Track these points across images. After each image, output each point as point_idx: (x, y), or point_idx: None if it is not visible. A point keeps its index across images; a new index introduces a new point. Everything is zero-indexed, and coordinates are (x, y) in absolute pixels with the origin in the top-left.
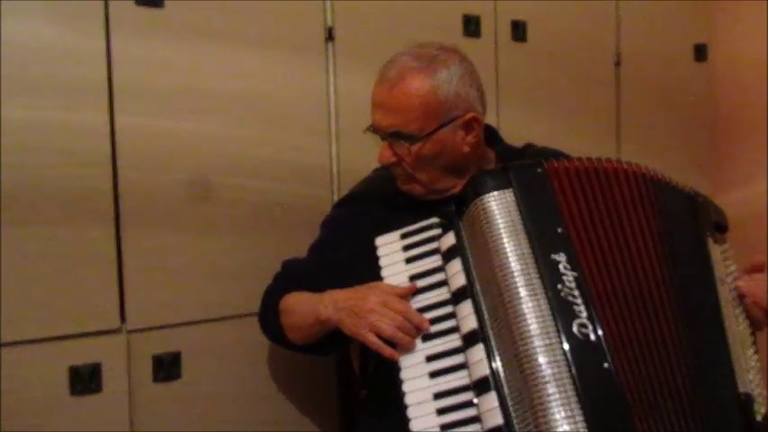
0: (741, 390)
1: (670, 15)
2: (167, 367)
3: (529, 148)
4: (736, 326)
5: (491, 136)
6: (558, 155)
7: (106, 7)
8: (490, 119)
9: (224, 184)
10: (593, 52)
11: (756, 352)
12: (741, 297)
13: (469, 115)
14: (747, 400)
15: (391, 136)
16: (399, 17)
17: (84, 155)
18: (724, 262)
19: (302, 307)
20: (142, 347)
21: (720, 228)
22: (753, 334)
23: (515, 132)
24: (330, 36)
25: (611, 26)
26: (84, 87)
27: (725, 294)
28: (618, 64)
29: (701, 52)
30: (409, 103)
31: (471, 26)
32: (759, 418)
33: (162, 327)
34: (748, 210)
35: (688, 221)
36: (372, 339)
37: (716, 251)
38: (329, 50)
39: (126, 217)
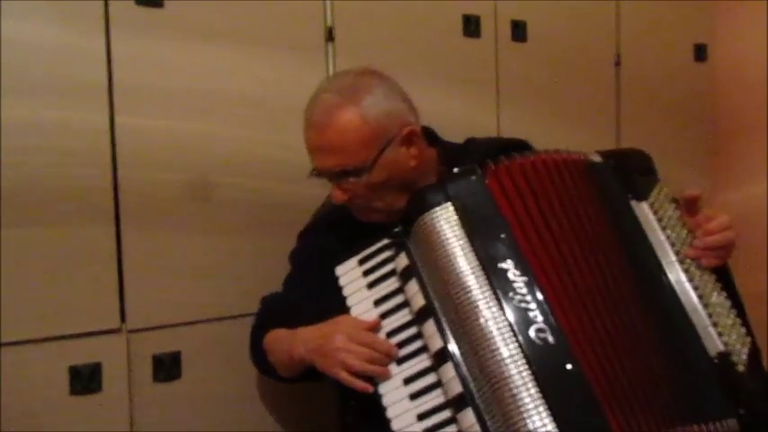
0: (712, 353)
1: (670, 15)
2: (167, 367)
3: (471, 142)
4: (690, 282)
5: (429, 136)
6: (501, 147)
7: (106, 7)
8: (490, 119)
9: (224, 184)
10: (593, 52)
11: (723, 289)
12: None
13: (406, 130)
14: (723, 360)
15: (338, 176)
16: (399, 17)
17: (84, 155)
18: (657, 214)
19: (280, 347)
20: (142, 347)
21: (644, 172)
22: (716, 272)
23: (515, 132)
24: (330, 36)
25: (611, 26)
26: (84, 87)
27: (666, 251)
28: (618, 64)
29: (701, 52)
30: (345, 140)
31: (471, 26)
32: (741, 368)
33: (162, 327)
34: (748, 210)
35: (617, 194)
36: (344, 376)
37: (643, 211)
38: (329, 50)
39: (126, 217)
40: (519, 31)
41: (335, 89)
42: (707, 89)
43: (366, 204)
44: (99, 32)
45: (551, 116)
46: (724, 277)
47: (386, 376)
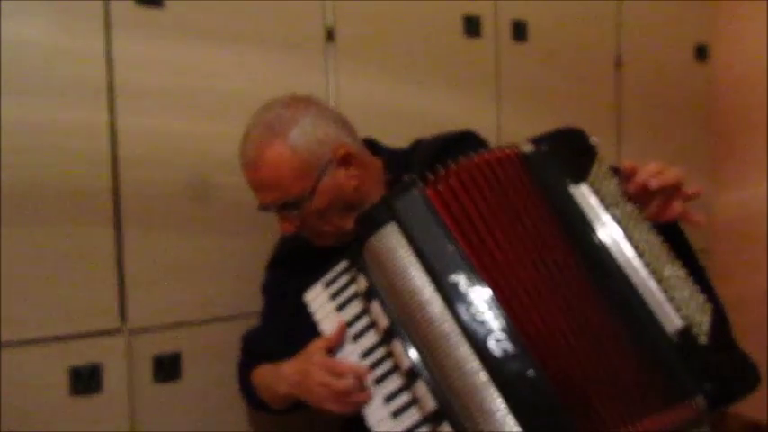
0: (671, 331)
1: (671, 16)
2: (167, 367)
3: (417, 145)
4: (641, 258)
5: (372, 146)
6: (446, 145)
7: (106, 7)
8: (490, 119)
9: (224, 184)
10: (594, 52)
11: (678, 257)
12: (645, 190)
13: (340, 152)
14: (682, 337)
15: (282, 208)
16: (399, 17)
17: (84, 155)
18: (599, 193)
19: (266, 383)
20: (142, 347)
21: (581, 151)
22: (669, 236)
23: (515, 132)
24: (330, 36)
25: (611, 26)
26: (84, 87)
27: (611, 232)
28: (618, 64)
29: (701, 53)
30: (279, 175)
31: (471, 26)
32: (704, 339)
33: (162, 327)
34: (748, 210)
35: (554, 182)
36: (333, 407)
37: (584, 194)
38: (329, 50)
39: (126, 217)
40: (519, 31)
41: (264, 124)
42: (708, 89)
43: (316, 230)
44: (99, 32)
45: (551, 116)
46: (678, 240)
47: (365, 401)
